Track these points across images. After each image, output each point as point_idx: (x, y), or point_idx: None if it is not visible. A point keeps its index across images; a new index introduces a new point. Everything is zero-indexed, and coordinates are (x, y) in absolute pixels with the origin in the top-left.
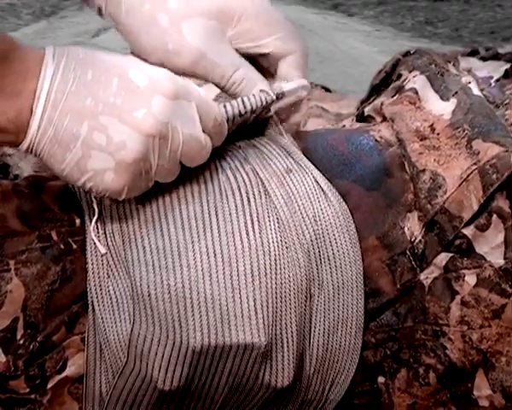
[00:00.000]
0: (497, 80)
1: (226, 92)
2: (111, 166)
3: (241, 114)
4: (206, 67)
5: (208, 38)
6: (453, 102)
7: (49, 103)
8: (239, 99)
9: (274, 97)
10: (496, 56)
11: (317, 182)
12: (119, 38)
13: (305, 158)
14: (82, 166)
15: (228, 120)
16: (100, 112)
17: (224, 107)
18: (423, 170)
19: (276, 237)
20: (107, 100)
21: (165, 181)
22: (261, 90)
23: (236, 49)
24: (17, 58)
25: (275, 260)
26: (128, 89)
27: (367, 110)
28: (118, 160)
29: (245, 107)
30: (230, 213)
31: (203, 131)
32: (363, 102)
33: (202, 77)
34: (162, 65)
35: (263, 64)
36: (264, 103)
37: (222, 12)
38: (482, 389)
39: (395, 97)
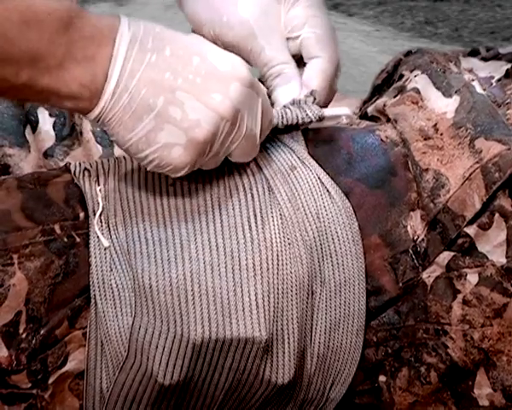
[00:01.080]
0: (499, 80)
1: (263, 79)
2: (181, 142)
3: (277, 126)
4: (252, 50)
5: (262, 19)
6: (456, 99)
7: (127, 71)
8: (280, 111)
9: (313, 119)
10: (497, 56)
11: (321, 180)
12: None
13: (309, 156)
14: (151, 138)
15: None
16: (178, 87)
17: None
18: (426, 169)
19: (279, 233)
20: (186, 76)
21: (207, 168)
22: (301, 107)
23: None
24: (87, 24)
25: (277, 255)
26: (207, 69)
27: (370, 110)
28: (190, 137)
29: (282, 121)
30: (234, 208)
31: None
32: (366, 102)
33: (246, 58)
34: (214, 37)
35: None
36: (300, 122)
37: None
38: (483, 387)
39: (397, 98)
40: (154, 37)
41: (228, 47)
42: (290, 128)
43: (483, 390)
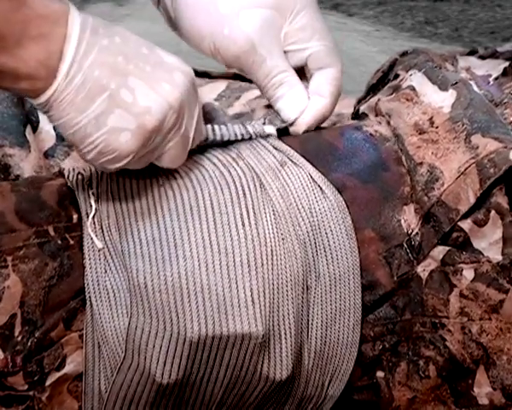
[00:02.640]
0: (496, 78)
1: (262, 91)
2: (130, 128)
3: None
4: (254, 62)
5: (263, 31)
6: (452, 93)
7: (81, 51)
8: (211, 127)
9: (253, 136)
10: (494, 55)
11: (312, 176)
12: None
13: (297, 154)
14: (101, 121)
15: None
16: (130, 72)
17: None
18: (421, 163)
19: (272, 229)
20: (137, 63)
21: (135, 167)
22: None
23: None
24: (39, 4)
25: (271, 250)
26: (156, 60)
27: (362, 108)
28: (139, 123)
29: (214, 136)
30: (226, 206)
31: None
32: (360, 101)
33: (247, 70)
34: (214, 51)
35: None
36: (238, 138)
37: (280, 4)
38: (482, 386)
39: (392, 96)
40: (103, 26)
41: (229, 60)
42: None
43: (483, 389)
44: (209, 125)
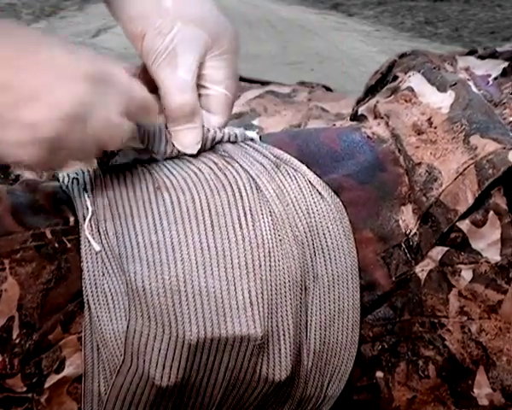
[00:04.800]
0: (495, 78)
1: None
2: (27, 140)
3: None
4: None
5: (184, 46)
6: (451, 94)
7: None
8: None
9: (234, 139)
10: (494, 55)
11: (307, 178)
12: (119, 38)
13: (290, 156)
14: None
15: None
16: (19, 85)
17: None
18: (419, 163)
19: (270, 230)
20: (33, 72)
21: (83, 162)
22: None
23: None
24: None
25: (269, 252)
26: (50, 66)
27: (361, 110)
28: (34, 135)
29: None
30: (223, 208)
31: (126, 116)
32: (359, 102)
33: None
34: (141, 34)
35: None
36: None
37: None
38: (482, 387)
39: (391, 97)
40: None
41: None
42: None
43: (482, 390)
44: (205, 127)
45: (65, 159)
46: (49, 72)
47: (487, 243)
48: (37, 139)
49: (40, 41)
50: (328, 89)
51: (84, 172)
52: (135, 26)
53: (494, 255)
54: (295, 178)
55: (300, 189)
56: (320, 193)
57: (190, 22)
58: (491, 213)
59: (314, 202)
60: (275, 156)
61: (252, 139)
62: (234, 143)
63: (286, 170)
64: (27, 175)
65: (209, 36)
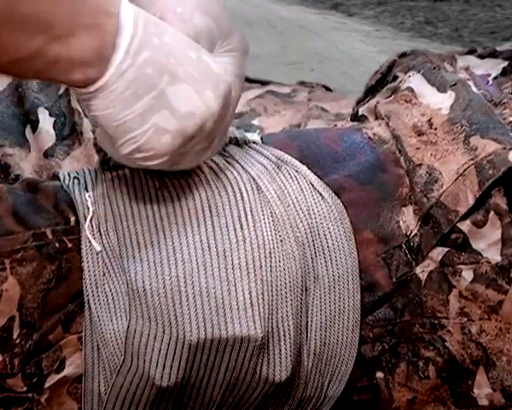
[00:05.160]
0: (495, 78)
1: None
2: (171, 130)
3: None
4: None
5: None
6: (451, 94)
7: (134, 46)
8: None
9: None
10: (493, 54)
11: (308, 179)
12: None
13: (291, 158)
14: (146, 118)
15: None
16: (179, 75)
17: None
18: (420, 164)
19: (271, 231)
20: (185, 67)
21: (185, 168)
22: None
23: None
24: None
25: (269, 253)
26: (203, 66)
27: (361, 110)
28: (180, 127)
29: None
30: (224, 208)
31: None
32: (359, 102)
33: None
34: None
35: None
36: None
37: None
38: (482, 387)
39: (391, 98)
40: (153, 22)
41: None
42: None
43: (482, 390)
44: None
45: (182, 155)
46: (206, 74)
47: (488, 244)
48: (182, 132)
49: (197, 47)
50: (328, 89)
51: (84, 172)
52: (153, 10)
53: (495, 256)
54: (296, 179)
55: (301, 190)
56: (321, 194)
57: (207, 15)
58: (492, 213)
59: (315, 203)
60: (276, 157)
61: (254, 142)
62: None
63: (287, 171)
64: (27, 175)
65: (220, 32)
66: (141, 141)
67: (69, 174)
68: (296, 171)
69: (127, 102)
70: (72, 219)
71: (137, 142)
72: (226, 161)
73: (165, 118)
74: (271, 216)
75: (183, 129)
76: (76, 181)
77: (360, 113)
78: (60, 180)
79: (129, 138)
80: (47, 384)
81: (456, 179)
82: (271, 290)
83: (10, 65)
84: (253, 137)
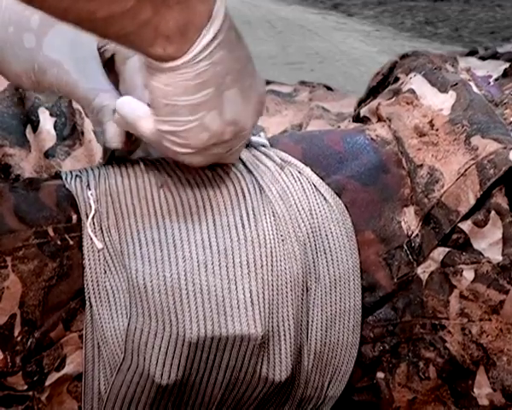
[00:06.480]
0: (496, 79)
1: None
2: (212, 130)
3: None
4: (68, 84)
5: (72, 50)
6: (452, 95)
7: (217, 40)
8: None
9: None
10: (495, 55)
11: (310, 179)
12: None
13: (294, 159)
14: (196, 111)
15: None
16: (237, 82)
17: None
18: (421, 165)
19: (272, 230)
20: (243, 76)
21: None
22: None
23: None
24: None
25: (271, 252)
26: (252, 79)
27: (363, 111)
28: (221, 131)
29: None
30: (226, 207)
31: None
32: (361, 103)
33: (68, 95)
34: (34, 86)
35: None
36: None
37: None
38: (482, 387)
39: (392, 99)
40: (235, 29)
41: (49, 88)
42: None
43: (483, 390)
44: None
45: (211, 151)
46: (253, 87)
47: (489, 243)
48: (220, 135)
49: (250, 57)
50: (329, 88)
51: (87, 170)
52: None
53: (496, 255)
54: (299, 180)
55: (304, 190)
56: (323, 195)
57: None
58: (493, 212)
59: (317, 204)
60: (280, 159)
61: (263, 145)
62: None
63: (290, 172)
64: (28, 175)
65: None
66: (180, 128)
67: (71, 172)
68: (299, 172)
69: (188, 89)
70: (74, 216)
71: (178, 126)
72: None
73: (212, 117)
74: (273, 216)
75: (222, 133)
76: (78, 179)
77: (362, 114)
78: (62, 178)
79: (172, 120)
80: (47, 383)
81: (457, 179)
82: (272, 289)
83: (104, 21)
84: (262, 140)
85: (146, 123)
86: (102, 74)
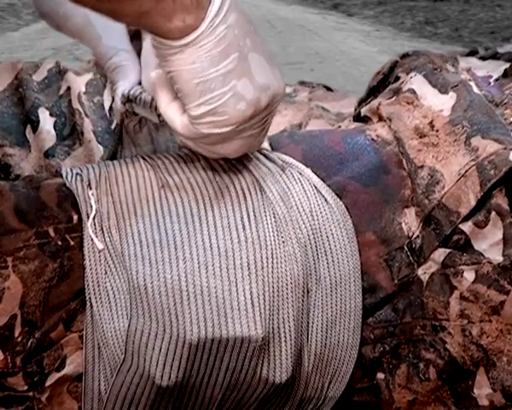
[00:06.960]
0: (497, 80)
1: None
2: (248, 98)
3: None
4: (91, 38)
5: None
6: (452, 96)
7: (227, 3)
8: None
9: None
10: (495, 56)
11: (311, 181)
12: None
13: (295, 160)
14: (228, 80)
15: None
16: (257, 44)
17: None
18: (421, 166)
19: (273, 232)
20: (259, 42)
21: (234, 155)
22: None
23: None
24: None
25: (271, 253)
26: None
27: (363, 111)
28: (256, 97)
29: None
30: (226, 209)
31: None
32: (361, 102)
33: (89, 47)
34: (58, 29)
35: None
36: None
37: None
38: (483, 387)
39: (393, 99)
40: None
41: (70, 35)
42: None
43: (483, 390)
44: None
45: (240, 132)
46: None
47: (489, 244)
48: (257, 102)
49: None
50: (328, 89)
51: (88, 169)
52: None
53: (496, 256)
54: (300, 181)
55: (305, 192)
56: (324, 196)
57: None
58: (493, 213)
59: (318, 205)
60: (281, 160)
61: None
62: None
63: (291, 173)
64: (28, 174)
65: None
66: (218, 102)
67: (72, 170)
68: (300, 173)
69: (214, 59)
70: (75, 217)
71: (214, 103)
72: (231, 162)
73: (244, 85)
74: (274, 217)
75: (258, 99)
76: (79, 178)
77: (363, 113)
78: (62, 177)
79: (207, 98)
80: (48, 383)
81: (457, 181)
82: (273, 291)
83: (123, 1)
84: (264, 144)
85: (179, 119)
86: (126, 35)
